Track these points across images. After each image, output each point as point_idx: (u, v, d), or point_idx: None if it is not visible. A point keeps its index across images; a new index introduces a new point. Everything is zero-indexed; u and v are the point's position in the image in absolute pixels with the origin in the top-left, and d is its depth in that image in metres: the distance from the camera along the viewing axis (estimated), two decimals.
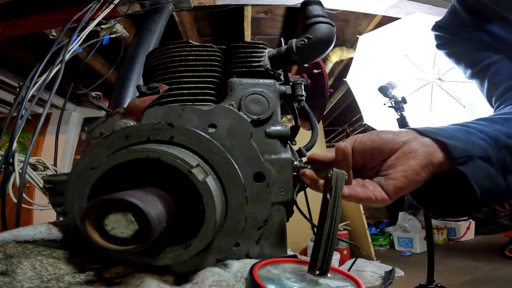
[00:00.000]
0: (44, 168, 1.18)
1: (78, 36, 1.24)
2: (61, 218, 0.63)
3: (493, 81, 0.58)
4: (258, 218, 0.40)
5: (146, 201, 0.27)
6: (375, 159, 0.41)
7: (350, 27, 2.62)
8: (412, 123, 1.92)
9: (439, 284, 1.77)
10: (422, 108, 2.33)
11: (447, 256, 3.42)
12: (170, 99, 0.44)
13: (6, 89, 2.80)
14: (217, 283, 0.32)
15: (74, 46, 1.20)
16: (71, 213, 0.35)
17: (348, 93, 3.13)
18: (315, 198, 0.43)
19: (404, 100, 1.91)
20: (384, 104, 1.97)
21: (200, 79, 0.46)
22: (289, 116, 2.91)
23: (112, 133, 0.37)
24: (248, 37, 2.43)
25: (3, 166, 0.97)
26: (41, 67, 1.08)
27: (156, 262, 0.33)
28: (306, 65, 0.59)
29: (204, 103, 0.44)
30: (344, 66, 3.04)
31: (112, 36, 1.59)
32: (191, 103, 0.43)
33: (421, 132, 0.41)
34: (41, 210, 1.19)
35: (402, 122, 1.89)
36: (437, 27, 0.72)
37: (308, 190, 0.46)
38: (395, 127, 1.93)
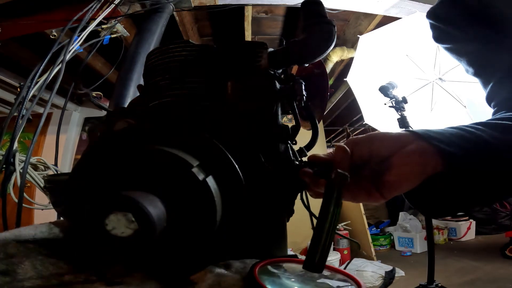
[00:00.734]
0: (45, 168, 1.19)
1: (79, 36, 1.24)
2: (61, 218, 0.63)
3: (499, 85, 0.55)
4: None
5: (146, 201, 0.27)
6: (373, 160, 0.42)
7: (350, 27, 2.62)
8: (413, 123, 1.92)
9: (440, 284, 1.77)
10: (422, 108, 2.33)
11: (447, 256, 3.41)
12: (170, 99, 0.44)
13: (7, 89, 2.81)
14: (217, 283, 0.32)
15: (75, 46, 1.20)
16: (72, 213, 0.35)
17: (349, 93, 3.13)
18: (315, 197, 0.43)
19: (404, 100, 1.91)
20: (385, 104, 1.97)
21: (200, 79, 0.46)
22: (289, 116, 2.91)
23: (112, 133, 0.37)
24: (248, 37, 2.43)
25: (4, 166, 0.97)
26: (41, 67, 1.08)
27: (157, 262, 0.33)
28: (307, 65, 0.59)
29: (204, 103, 0.44)
30: (345, 66, 3.04)
31: (112, 36, 1.60)
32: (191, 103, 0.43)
33: (420, 135, 0.41)
34: (42, 209, 1.19)
35: (403, 122, 1.89)
36: (432, 15, 0.60)
37: None
38: (395, 127, 1.93)
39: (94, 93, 1.31)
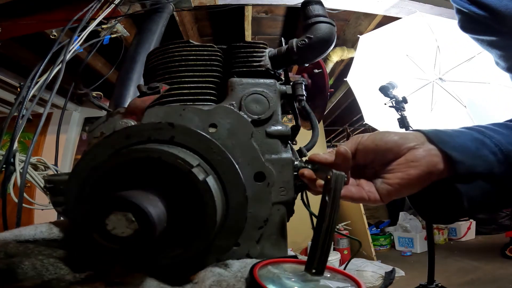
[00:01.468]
0: (45, 168, 1.19)
1: (79, 36, 1.24)
2: (62, 218, 0.63)
3: None
4: (258, 218, 0.40)
5: (147, 201, 0.27)
6: (376, 162, 0.41)
7: (350, 26, 2.62)
8: (413, 123, 1.92)
9: (440, 284, 1.77)
10: (423, 108, 2.33)
11: (447, 256, 3.41)
12: (170, 99, 0.44)
13: (7, 89, 2.81)
14: (218, 283, 0.32)
15: (75, 46, 1.20)
16: (72, 213, 0.35)
17: (349, 93, 3.13)
18: (315, 197, 0.43)
19: (404, 100, 1.91)
20: (385, 104, 1.97)
21: (201, 79, 0.46)
22: (289, 116, 2.91)
23: (113, 133, 0.37)
24: (248, 37, 2.43)
25: (4, 166, 0.97)
26: (42, 67, 1.08)
27: (157, 262, 0.33)
28: (307, 65, 0.59)
29: (205, 103, 0.44)
30: (345, 66, 3.04)
31: (112, 36, 1.60)
32: (191, 103, 0.43)
33: (430, 139, 0.39)
34: (42, 209, 1.19)
35: (403, 122, 1.89)
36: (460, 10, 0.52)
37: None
38: (395, 127, 1.93)
39: (94, 93, 1.30)
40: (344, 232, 3.47)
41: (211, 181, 0.34)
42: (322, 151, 0.44)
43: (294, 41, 0.49)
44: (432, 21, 2.06)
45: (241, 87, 0.44)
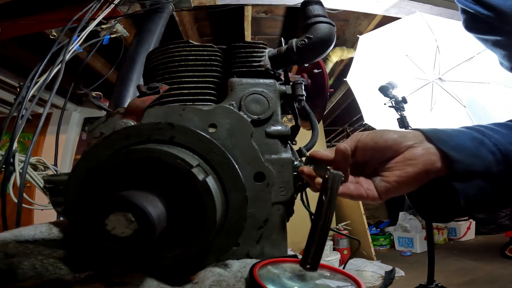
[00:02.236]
0: (44, 168, 1.18)
1: (79, 36, 1.24)
2: (61, 218, 0.63)
3: None
4: (258, 218, 0.40)
5: (146, 201, 0.27)
6: (375, 160, 0.41)
7: (350, 27, 2.62)
8: (412, 123, 1.92)
9: (440, 284, 1.77)
10: (422, 108, 2.33)
11: (447, 256, 3.41)
12: (170, 99, 0.44)
13: (7, 89, 2.80)
14: (217, 283, 0.32)
15: (75, 46, 1.20)
16: (72, 213, 0.35)
17: (349, 93, 3.13)
18: (315, 197, 0.43)
19: (404, 100, 1.91)
20: (385, 104, 1.97)
21: (201, 79, 0.46)
22: (289, 116, 2.91)
23: (112, 133, 0.37)
24: (248, 37, 2.43)
25: (4, 166, 0.97)
26: (41, 67, 1.08)
27: (157, 262, 0.33)
28: (307, 65, 0.59)
29: (205, 103, 0.44)
30: (345, 66, 3.04)
31: (112, 36, 1.60)
32: (191, 103, 0.43)
33: (428, 137, 0.40)
34: (42, 210, 1.19)
35: (402, 122, 1.89)
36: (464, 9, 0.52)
37: (308, 190, 0.46)
38: (395, 127, 1.93)
39: (93, 93, 1.30)
40: (344, 232, 3.47)
41: (210, 181, 0.34)
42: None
43: (294, 41, 0.49)
44: (431, 21, 2.06)
45: (241, 87, 0.44)
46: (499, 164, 0.38)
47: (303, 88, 0.50)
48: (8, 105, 2.92)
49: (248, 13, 2.19)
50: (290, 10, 2.37)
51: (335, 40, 0.50)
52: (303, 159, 0.46)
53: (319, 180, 0.40)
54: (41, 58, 1.09)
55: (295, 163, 0.44)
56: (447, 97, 2.27)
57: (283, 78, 0.53)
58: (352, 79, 2.30)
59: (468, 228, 4.17)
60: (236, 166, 0.37)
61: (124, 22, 1.81)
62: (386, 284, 2.63)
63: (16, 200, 0.96)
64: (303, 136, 0.54)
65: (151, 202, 0.28)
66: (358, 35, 2.26)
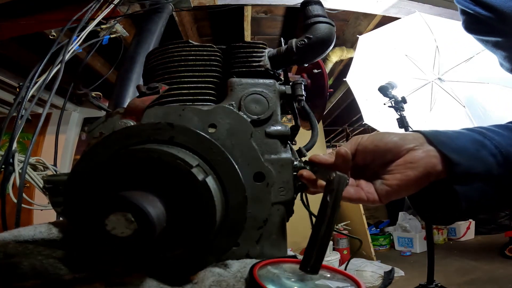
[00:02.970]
0: (44, 168, 1.18)
1: (78, 36, 1.23)
2: (61, 218, 0.63)
3: None
4: (258, 218, 0.40)
5: (146, 201, 0.27)
6: (376, 163, 0.41)
7: (350, 27, 2.62)
8: (412, 123, 1.92)
9: (439, 284, 1.77)
10: (422, 108, 2.33)
11: (447, 256, 3.42)
12: (170, 99, 0.44)
13: (6, 89, 2.80)
14: (217, 283, 0.32)
15: (74, 46, 1.20)
16: (71, 213, 0.35)
17: (348, 93, 3.13)
18: (315, 197, 0.43)
19: (404, 100, 1.92)
20: (384, 104, 1.97)
21: (200, 79, 0.46)
22: (289, 116, 2.91)
23: (112, 133, 0.37)
24: (248, 37, 2.43)
25: (3, 166, 0.97)
26: (41, 67, 1.08)
27: (157, 262, 0.33)
28: (306, 65, 0.59)
29: (204, 103, 0.44)
30: (344, 66, 3.04)
31: (112, 36, 1.59)
32: (191, 103, 0.43)
33: (429, 140, 0.39)
34: (41, 210, 1.19)
35: (402, 122, 1.89)
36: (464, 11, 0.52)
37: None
38: (395, 127, 1.93)
39: (93, 93, 1.30)
40: (344, 232, 3.47)
41: (210, 181, 0.34)
42: (321, 151, 0.44)
43: (294, 41, 0.49)
44: (431, 21, 2.06)
45: (241, 87, 0.44)
46: (500, 167, 0.37)
47: (303, 88, 0.50)
48: (8, 105, 2.92)
49: (248, 13, 2.19)
50: (289, 10, 2.37)
51: (334, 40, 0.50)
52: (303, 159, 0.46)
53: (321, 182, 0.40)
54: (41, 58, 1.09)
55: (295, 163, 0.44)
56: (446, 97, 2.27)
57: (282, 78, 0.53)
58: (351, 79, 2.31)
59: (468, 228, 4.17)
60: (236, 166, 0.37)
61: (124, 22, 1.81)
62: (386, 284, 2.64)
63: (15, 200, 0.96)
64: (303, 136, 0.54)
65: (151, 202, 0.28)
66: (357, 35, 2.26)
